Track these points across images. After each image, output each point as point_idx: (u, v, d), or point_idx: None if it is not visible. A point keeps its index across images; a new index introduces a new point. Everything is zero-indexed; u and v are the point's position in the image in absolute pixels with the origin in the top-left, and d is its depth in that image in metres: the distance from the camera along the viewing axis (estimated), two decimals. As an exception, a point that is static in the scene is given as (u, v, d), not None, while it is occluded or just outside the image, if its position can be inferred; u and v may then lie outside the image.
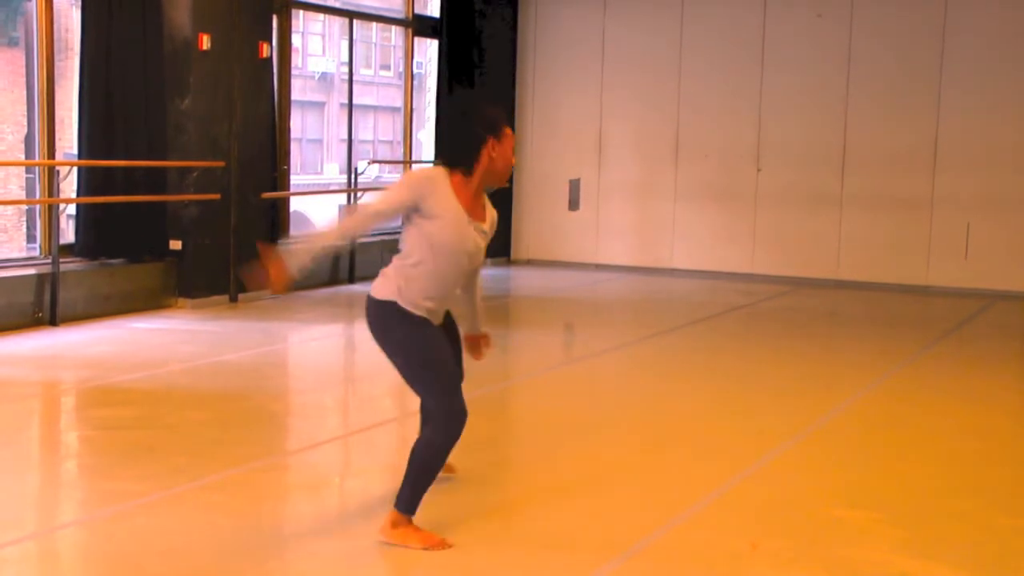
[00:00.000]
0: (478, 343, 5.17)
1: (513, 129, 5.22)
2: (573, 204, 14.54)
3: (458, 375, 4.67)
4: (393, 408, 7.28)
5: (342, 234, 4.61)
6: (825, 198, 13.19)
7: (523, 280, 13.62)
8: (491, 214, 4.63)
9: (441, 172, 4.47)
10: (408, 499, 4.45)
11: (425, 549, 4.41)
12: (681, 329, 10.15)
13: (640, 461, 5.89)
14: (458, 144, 4.51)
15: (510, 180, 14.47)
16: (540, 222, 14.78)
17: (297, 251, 4.31)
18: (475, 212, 4.49)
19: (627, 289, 12.94)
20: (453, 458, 4.82)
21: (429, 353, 4.45)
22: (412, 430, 6.71)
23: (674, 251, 14.00)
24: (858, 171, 13.01)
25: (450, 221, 4.39)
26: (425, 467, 4.43)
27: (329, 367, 8.61)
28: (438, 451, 4.42)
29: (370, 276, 13.75)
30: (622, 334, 9.95)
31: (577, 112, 14.40)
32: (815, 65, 13.11)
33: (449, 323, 4.85)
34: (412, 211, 4.43)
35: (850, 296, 12.43)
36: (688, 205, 13.89)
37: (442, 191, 4.41)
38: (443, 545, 4.44)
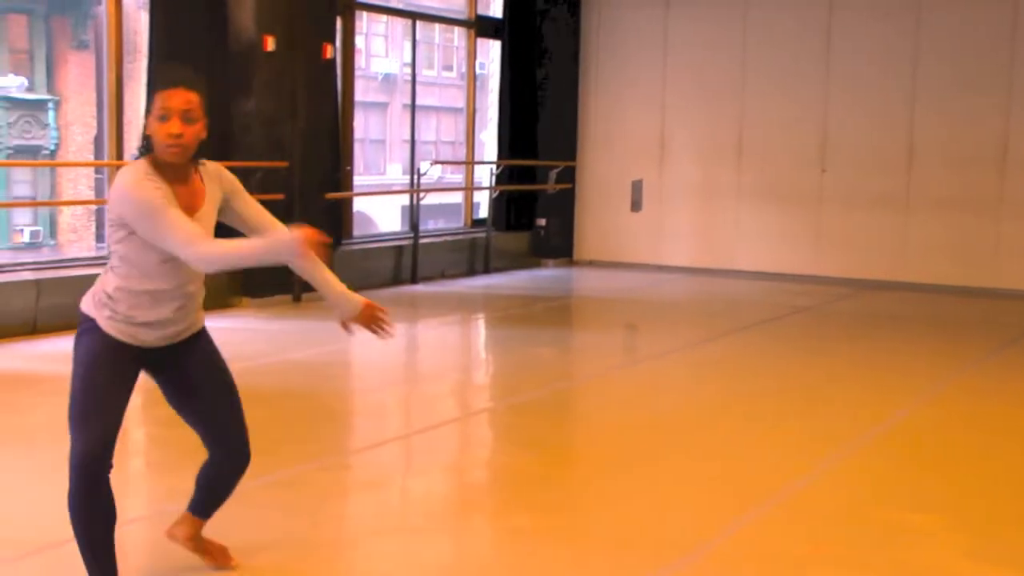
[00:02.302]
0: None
1: None
2: (635, 205, 14.49)
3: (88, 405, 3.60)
4: (456, 408, 7.30)
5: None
6: (891, 199, 13.03)
7: (585, 281, 13.60)
8: (210, 189, 3.73)
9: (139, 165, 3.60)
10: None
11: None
12: (744, 331, 10.08)
13: (703, 463, 5.85)
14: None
15: (572, 180, 14.54)
16: (602, 223, 14.75)
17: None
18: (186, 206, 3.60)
19: (689, 290, 12.87)
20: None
21: (91, 382, 3.60)
22: (473, 430, 6.75)
23: (737, 252, 13.90)
24: (925, 172, 12.84)
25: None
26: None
27: (392, 367, 8.65)
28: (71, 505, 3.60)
29: (432, 276, 13.76)
30: (684, 335, 9.90)
31: (639, 112, 14.35)
32: (881, 65, 12.96)
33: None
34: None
35: (916, 298, 12.27)
36: (751, 206, 13.79)
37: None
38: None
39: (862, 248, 13.21)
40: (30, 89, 23.87)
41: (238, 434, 3.93)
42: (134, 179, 3.50)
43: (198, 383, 3.84)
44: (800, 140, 13.47)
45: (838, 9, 13.15)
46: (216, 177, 3.76)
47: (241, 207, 3.84)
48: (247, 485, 5.13)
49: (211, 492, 4.08)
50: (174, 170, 3.59)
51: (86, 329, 3.63)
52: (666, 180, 14.30)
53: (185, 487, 5.13)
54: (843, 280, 13.14)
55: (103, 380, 3.59)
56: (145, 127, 3.58)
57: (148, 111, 3.57)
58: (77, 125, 24.54)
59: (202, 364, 3.85)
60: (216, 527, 4.62)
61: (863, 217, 13.16)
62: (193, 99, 3.57)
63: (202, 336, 3.88)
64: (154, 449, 6.08)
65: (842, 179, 13.26)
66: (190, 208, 3.61)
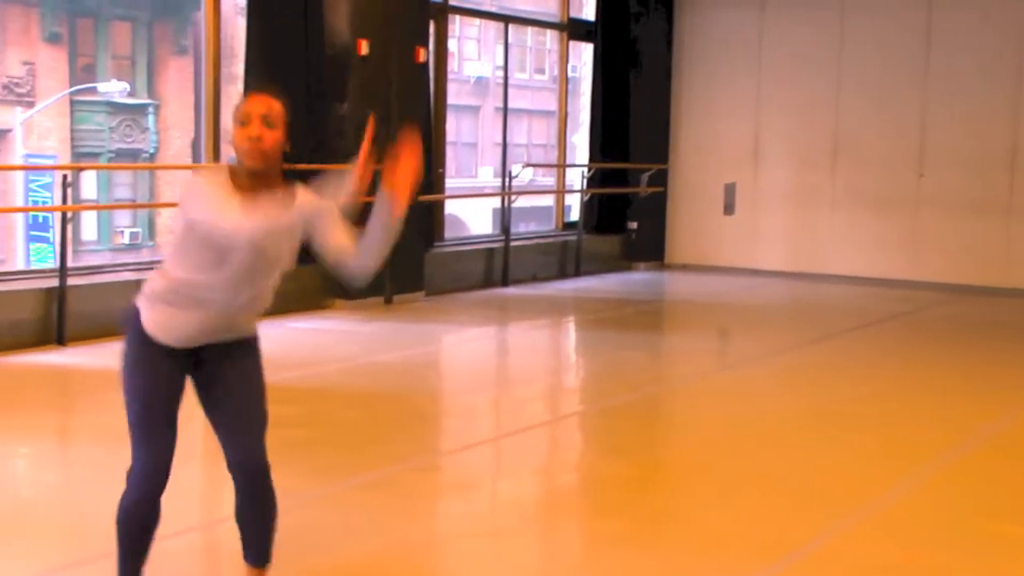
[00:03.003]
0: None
1: None
2: (728, 208, 14.37)
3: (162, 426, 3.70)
4: (545, 412, 7.30)
5: None
6: (992, 203, 12.75)
7: (676, 285, 13.52)
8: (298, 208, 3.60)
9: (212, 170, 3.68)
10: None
11: None
12: (838, 336, 9.93)
13: (796, 468, 5.77)
14: None
15: (664, 183, 14.46)
16: (694, 226, 14.64)
17: None
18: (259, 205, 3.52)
19: (782, 295, 12.72)
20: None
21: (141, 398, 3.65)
22: (564, 433, 6.74)
23: (831, 256, 13.70)
24: (1027, 175, 12.55)
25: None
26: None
27: (482, 369, 8.67)
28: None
29: (523, 279, 13.77)
30: (776, 340, 9.79)
31: (733, 115, 14.22)
32: (983, 67, 12.69)
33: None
34: None
35: (1018, 305, 11.98)
36: (846, 210, 13.58)
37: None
38: None
39: (961, 253, 12.94)
40: (131, 94, 24.38)
41: (243, 455, 3.74)
42: (201, 171, 3.57)
43: (223, 394, 3.70)
44: (897, 144, 13.24)
45: (938, 11, 12.90)
46: (301, 206, 3.57)
47: (323, 236, 3.59)
48: (337, 486, 5.19)
49: (239, 526, 3.93)
50: (253, 179, 3.51)
51: (128, 318, 3.56)
52: (760, 183, 14.15)
53: (278, 485, 5.19)
54: (941, 285, 12.88)
55: (150, 387, 3.60)
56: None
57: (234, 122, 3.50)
58: (175, 129, 25.01)
59: (233, 375, 3.69)
60: (306, 526, 4.67)
61: (963, 222, 12.89)
62: (275, 106, 3.55)
63: (244, 346, 3.70)
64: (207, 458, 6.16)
65: (941, 183, 13.00)
66: None
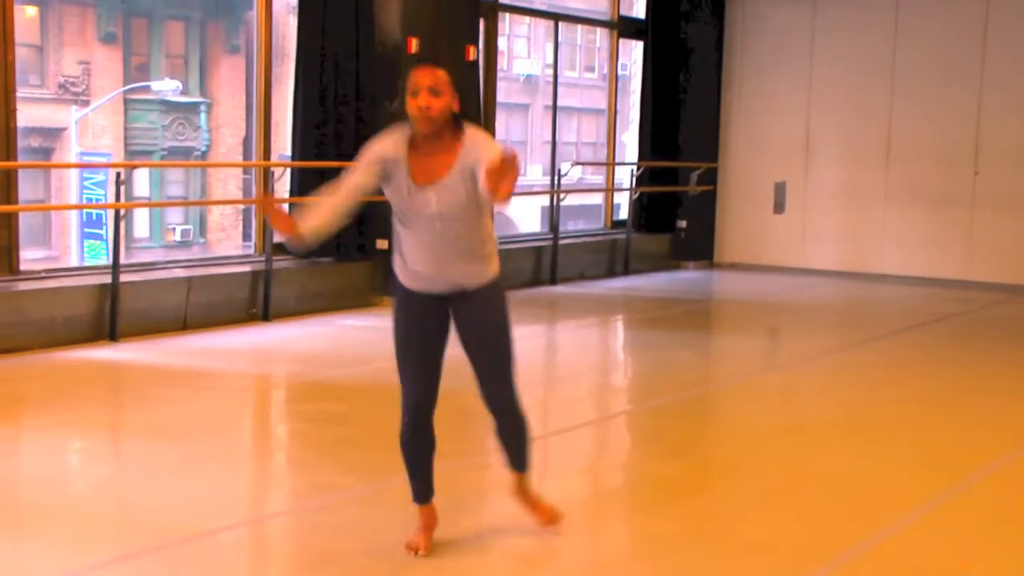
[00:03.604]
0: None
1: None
2: (779, 207, 14.26)
3: (420, 362, 4.22)
4: (593, 410, 7.28)
5: (329, 207, 4.04)
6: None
7: (726, 284, 13.44)
8: (463, 160, 4.03)
9: (395, 132, 4.14)
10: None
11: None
12: (891, 336, 9.83)
13: (846, 470, 5.72)
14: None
15: (713, 182, 14.38)
16: (744, 225, 14.55)
17: (304, 214, 4.00)
18: (428, 171, 4.03)
19: (834, 294, 12.61)
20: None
21: (399, 340, 4.23)
22: (611, 433, 6.72)
23: (884, 255, 13.57)
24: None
25: (399, 182, 4.07)
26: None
27: (530, 367, 8.65)
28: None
29: (571, 278, 13.76)
30: (829, 340, 9.71)
31: (784, 113, 14.12)
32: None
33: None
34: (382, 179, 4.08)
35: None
36: (899, 208, 13.44)
37: (402, 151, 4.08)
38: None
39: (1018, 253, 12.76)
40: (184, 92, 24.61)
41: (491, 391, 4.30)
42: (386, 131, 4.15)
43: (465, 339, 4.22)
44: (951, 142, 13.08)
45: (994, 8, 12.73)
46: (473, 146, 4.05)
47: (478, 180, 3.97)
48: (383, 484, 5.21)
49: (502, 446, 4.53)
50: (426, 139, 4.04)
51: (393, 281, 4.23)
52: (810, 182, 14.03)
53: (326, 482, 5.23)
54: (997, 285, 12.71)
55: (410, 334, 4.19)
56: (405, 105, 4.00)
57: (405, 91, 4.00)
58: (227, 127, 25.22)
59: (472, 322, 4.19)
60: (352, 523, 4.70)
61: (1019, 221, 12.72)
62: (440, 75, 4.01)
63: (481, 295, 4.18)
64: (295, 445, 6.20)
65: (997, 181, 12.83)
66: (429, 176, 4.03)
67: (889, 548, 4.58)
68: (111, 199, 9.06)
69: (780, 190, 14.23)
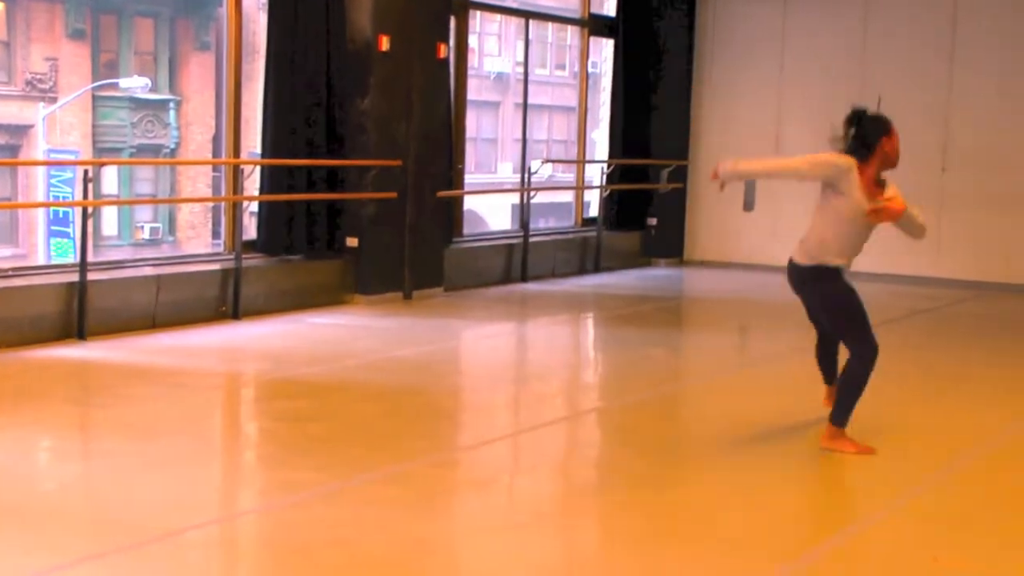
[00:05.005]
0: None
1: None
2: (748, 205, 14.26)
3: (867, 320, 6.05)
4: (564, 407, 7.29)
5: (770, 168, 7.31)
6: (1019, 199, 12.67)
7: (696, 281, 13.49)
8: (891, 190, 6.05)
9: (852, 161, 5.95)
10: (840, 415, 5.79)
11: (856, 454, 5.70)
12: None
13: (818, 466, 5.76)
14: (860, 142, 5.94)
15: (684, 180, 14.42)
16: (715, 223, 14.59)
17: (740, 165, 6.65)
18: (872, 192, 5.97)
19: (803, 292, 12.65)
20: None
21: (855, 303, 6.08)
22: (582, 430, 6.74)
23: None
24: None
25: (855, 199, 5.97)
26: (855, 389, 5.81)
27: (501, 365, 8.67)
28: (862, 378, 5.79)
29: (542, 275, 13.72)
30: (797, 337, 9.73)
31: (754, 110, 14.16)
32: (1009, 63, 12.62)
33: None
34: (828, 185, 6.13)
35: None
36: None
37: (852, 176, 5.93)
38: (870, 451, 5.73)
39: (986, 250, 12.85)
40: (153, 89, 24.47)
41: (850, 343, 6.01)
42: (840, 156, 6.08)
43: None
44: (920, 139, 13.11)
45: (962, 8, 12.82)
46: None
47: None
48: (355, 481, 5.21)
49: (836, 389, 6.03)
50: (878, 176, 5.98)
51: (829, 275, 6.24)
52: (780, 180, 14.05)
53: (296, 479, 5.22)
54: (965, 282, 12.77)
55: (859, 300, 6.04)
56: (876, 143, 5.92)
57: (885, 134, 5.94)
58: (197, 124, 25.09)
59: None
60: (323, 521, 4.69)
61: (988, 217, 12.80)
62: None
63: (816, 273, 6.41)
64: (265, 443, 6.18)
65: (964, 179, 12.93)
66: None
67: (860, 543, 4.62)
68: (79, 197, 8.99)
69: (750, 188, 14.17)
